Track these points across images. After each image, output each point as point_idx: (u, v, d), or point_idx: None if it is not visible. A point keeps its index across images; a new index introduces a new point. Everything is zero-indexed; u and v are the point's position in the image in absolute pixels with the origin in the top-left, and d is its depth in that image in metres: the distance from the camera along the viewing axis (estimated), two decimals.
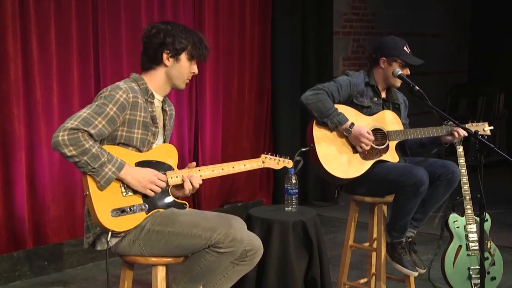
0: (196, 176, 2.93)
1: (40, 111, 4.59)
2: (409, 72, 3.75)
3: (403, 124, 3.85)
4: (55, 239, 4.75)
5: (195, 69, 2.97)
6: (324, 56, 6.74)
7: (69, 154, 2.67)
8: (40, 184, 4.65)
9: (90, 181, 2.74)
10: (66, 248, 4.77)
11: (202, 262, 2.80)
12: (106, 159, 2.72)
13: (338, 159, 3.67)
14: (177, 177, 2.92)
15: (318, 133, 3.69)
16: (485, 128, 3.84)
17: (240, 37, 6.00)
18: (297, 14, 6.45)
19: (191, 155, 5.67)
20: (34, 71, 4.55)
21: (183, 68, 2.93)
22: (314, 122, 3.70)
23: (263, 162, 3.15)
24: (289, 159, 3.26)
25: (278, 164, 3.21)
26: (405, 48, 3.73)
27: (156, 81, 2.93)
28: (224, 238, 2.75)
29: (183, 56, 2.91)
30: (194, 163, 3.00)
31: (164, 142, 3.04)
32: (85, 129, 2.69)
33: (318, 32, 6.65)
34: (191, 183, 2.91)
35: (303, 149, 3.57)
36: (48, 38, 4.61)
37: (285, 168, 3.26)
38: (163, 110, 3.02)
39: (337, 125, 3.64)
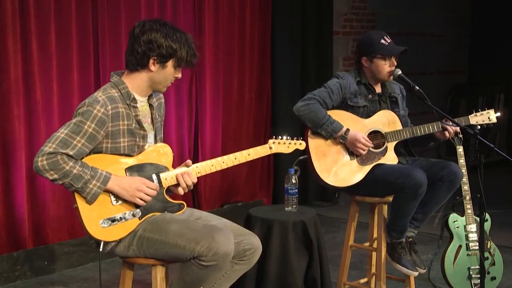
0: (190, 173, 2.87)
1: (40, 111, 4.59)
2: (395, 63, 3.67)
3: (402, 116, 3.83)
4: (55, 239, 4.75)
5: (179, 74, 2.89)
6: (324, 56, 6.73)
7: (51, 178, 2.67)
8: (40, 184, 4.64)
9: (77, 195, 2.73)
10: (66, 248, 4.77)
11: (190, 273, 2.78)
12: (89, 176, 2.69)
13: (335, 168, 3.65)
14: (171, 177, 2.87)
15: (313, 142, 3.66)
16: (491, 116, 3.74)
17: (240, 37, 6.00)
18: (297, 14, 6.44)
19: (191, 155, 5.67)
20: (34, 71, 4.55)
21: (167, 75, 2.85)
22: (309, 131, 3.67)
23: (271, 148, 3.02)
24: (302, 139, 3.12)
25: (288, 147, 3.06)
26: (382, 41, 3.65)
27: (138, 84, 2.85)
28: (207, 251, 2.70)
29: (170, 63, 2.82)
30: (190, 161, 2.94)
31: (156, 135, 2.97)
32: (63, 151, 2.66)
33: (318, 32, 6.65)
34: (185, 181, 2.86)
35: (300, 158, 3.53)
36: (48, 38, 4.61)
37: (296, 150, 3.07)
38: (150, 105, 2.95)
39: (332, 134, 3.61)
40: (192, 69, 2.94)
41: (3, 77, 4.42)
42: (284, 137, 3.06)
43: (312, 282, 3.85)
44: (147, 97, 2.94)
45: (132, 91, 2.85)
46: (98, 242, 2.82)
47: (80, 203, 2.73)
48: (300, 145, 3.12)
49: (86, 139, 2.71)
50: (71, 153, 2.68)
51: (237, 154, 2.95)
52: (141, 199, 2.79)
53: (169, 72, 2.85)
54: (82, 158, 2.76)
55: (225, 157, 2.94)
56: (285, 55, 6.34)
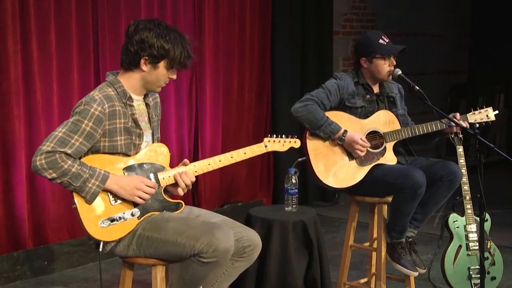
0: (188, 172, 2.87)
1: (40, 111, 4.59)
2: (394, 63, 3.67)
3: (401, 115, 3.82)
4: (55, 239, 4.75)
5: (173, 75, 2.86)
6: (324, 56, 6.73)
7: (49, 177, 2.67)
8: (40, 184, 4.64)
9: (76, 195, 2.73)
10: (66, 248, 4.77)
11: (190, 271, 2.78)
12: (88, 175, 2.69)
13: (333, 169, 3.65)
14: (169, 176, 2.87)
15: (312, 144, 3.66)
16: (489, 114, 3.76)
17: (240, 37, 6.00)
18: (297, 14, 6.44)
19: (191, 155, 5.67)
20: (34, 71, 4.55)
21: (160, 75, 2.83)
22: (307, 133, 3.68)
23: (266, 146, 3.03)
24: (296, 137, 3.13)
25: (283, 145, 3.07)
26: (380, 40, 3.66)
27: (133, 83, 2.85)
28: (207, 248, 2.70)
29: (162, 64, 2.80)
30: (187, 160, 2.95)
31: (153, 133, 2.98)
32: (61, 150, 2.66)
33: (318, 32, 6.65)
34: (183, 180, 2.86)
35: (299, 159, 3.53)
36: (48, 38, 4.61)
37: (292, 148, 3.09)
38: (146, 104, 2.95)
39: (330, 135, 3.61)
40: (187, 70, 2.90)
41: (3, 77, 4.42)
42: (280, 136, 3.08)
43: (312, 282, 3.85)
44: (143, 96, 2.94)
45: (127, 90, 2.85)
46: (97, 242, 2.82)
47: (79, 203, 2.73)
48: (295, 143, 3.13)
49: (84, 138, 2.71)
50: (69, 151, 2.68)
51: (234, 152, 2.96)
52: (139, 197, 2.78)
53: (161, 73, 2.83)
54: (80, 157, 2.76)
55: (221, 156, 2.94)
56: (285, 55, 6.34)
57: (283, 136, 3.09)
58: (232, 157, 2.94)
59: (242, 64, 6.04)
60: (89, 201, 2.72)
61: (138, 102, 2.91)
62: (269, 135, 3.08)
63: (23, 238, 4.56)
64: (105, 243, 2.80)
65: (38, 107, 4.58)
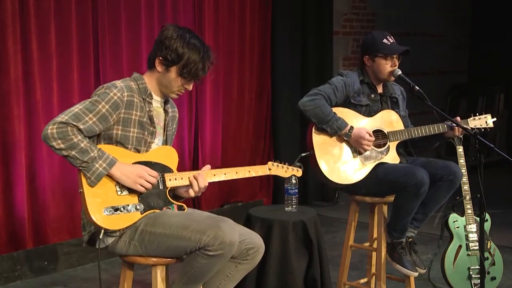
0: (203, 175, 2.92)
1: (40, 111, 4.59)
2: (397, 63, 3.69)
3: (403, 117, 3.84)
4: (55, 239, 4.75)
5: (188, 86, 2.95)
6: (324, 56, 6.74)
7: (57, 147, 2.71)
8: (40, 184, 4.64)
9: (83, 178, 2.76)
10: (66, 248, 4.76)
11: (195, 265, 2.79)
12: (96, 155, 2.73)
13: (338, 165, 3.66)
14: (175, 179, 2.91)
15: (318, 138, 3.67)
16: (488, 121, 3.78)
17: (240, 37, 6.00)
18: (297, 14, 6.45)
19: (191, 155, 5.67)
20: (34, 71, 4.55)
21: (172, 80, 2.91)
22: (313, 127, 3.68)
23: (270, 169, 3.13)
24: (298, 167, 3.22)
25: (286, 172, 3.17)
26: (384, 40, 3.69)
27: (152, 83, 2.95)
28: (213, 241, 2.72)
29: (174, 69, 2.89)
30: (209, 166, 3.00)
31: (166, 143, 3.04)
32: (75, 124, 2.72)
33: (318, 32, 6.65)
34: (198, 183, 2.90)
35: (303, 154, 3.54)
36: (48, 38, 4.61)
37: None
38: (165, 111, 3.02)
39: (336, 131, 3.62)
40: (199, 82, 3.04)
41: (3, 77, 4.42)
42: (283, 163, 3.18)
43: (312, 282, 3.85)
44: (163, 100, 3.01)
45: (149, 88, 2.93)
46: (91, 236, 2.84)
47: (86, 187, 2.75)
48: (297, 171, 3.22)
49: (98, 119, 2.77)
50: (81, 127, 2.74)
51: (239, 169, 3.05)
52: (141, 185, 2.81)
53: (172, 78, 2.90)
54: (91, 137, 2.81)
55: (227, 169, 3.04)
56: (285, 55, 6.34)
57: (287, 163, 3.19)
58: (236, 173, 3.05)
59: (242, 64, 6.05)
60: (93, 182, 2.74)
61: (157, 104, 2.98)
62: (273, 160, 3.17)
63: (23, 238, 4.56)
64: (105, 235, 2.81)
65: (38, 107, 4.59)
